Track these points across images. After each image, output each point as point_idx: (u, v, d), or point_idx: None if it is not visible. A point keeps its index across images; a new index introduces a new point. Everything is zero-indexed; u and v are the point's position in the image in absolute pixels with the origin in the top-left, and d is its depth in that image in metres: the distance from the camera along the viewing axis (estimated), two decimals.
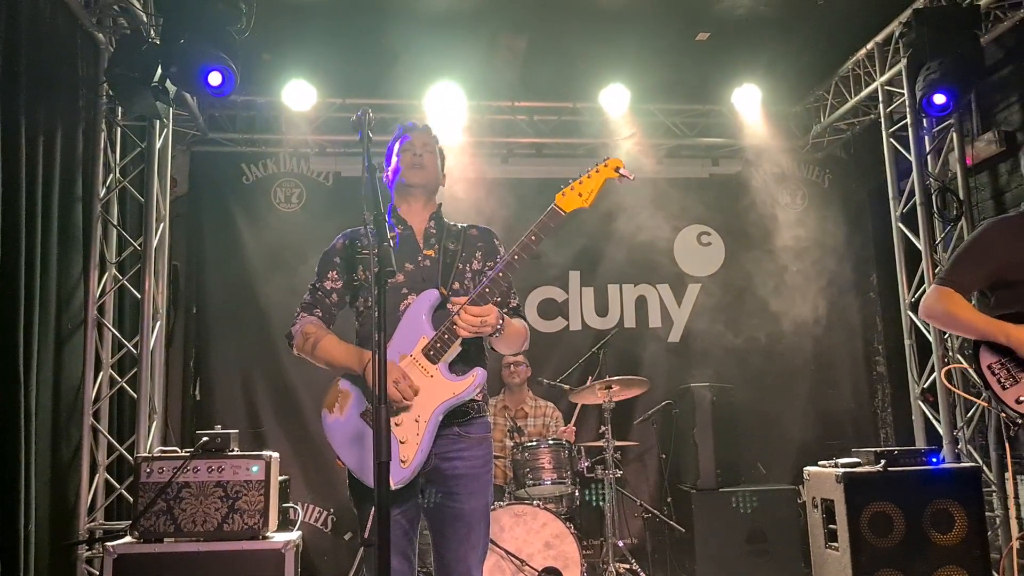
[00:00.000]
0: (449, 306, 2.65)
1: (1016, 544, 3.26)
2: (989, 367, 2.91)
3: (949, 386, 3.43)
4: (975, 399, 3.08)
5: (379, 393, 2.16)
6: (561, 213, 2.73)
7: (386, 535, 2.10)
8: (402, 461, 2.56)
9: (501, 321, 2.67)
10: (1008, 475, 3.00)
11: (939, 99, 5.34)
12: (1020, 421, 2.85)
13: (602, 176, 2.78)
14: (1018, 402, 2.85)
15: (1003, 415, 2.91)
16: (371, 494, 2.25)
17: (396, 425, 2.58)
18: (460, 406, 2.69)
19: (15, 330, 4.18)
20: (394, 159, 2.93)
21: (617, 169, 2.79)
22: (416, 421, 2.60)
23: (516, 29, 5.91)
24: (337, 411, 2.71)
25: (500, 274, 2.66)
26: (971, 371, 2.97)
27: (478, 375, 2.67)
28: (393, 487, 2.46)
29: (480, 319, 2.61)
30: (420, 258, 2.81)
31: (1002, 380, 2.89)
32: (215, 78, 4.83)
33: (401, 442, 2.57)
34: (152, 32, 5.17)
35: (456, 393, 2.63)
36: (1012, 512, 2.95)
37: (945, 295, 2.99)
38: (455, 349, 2.65)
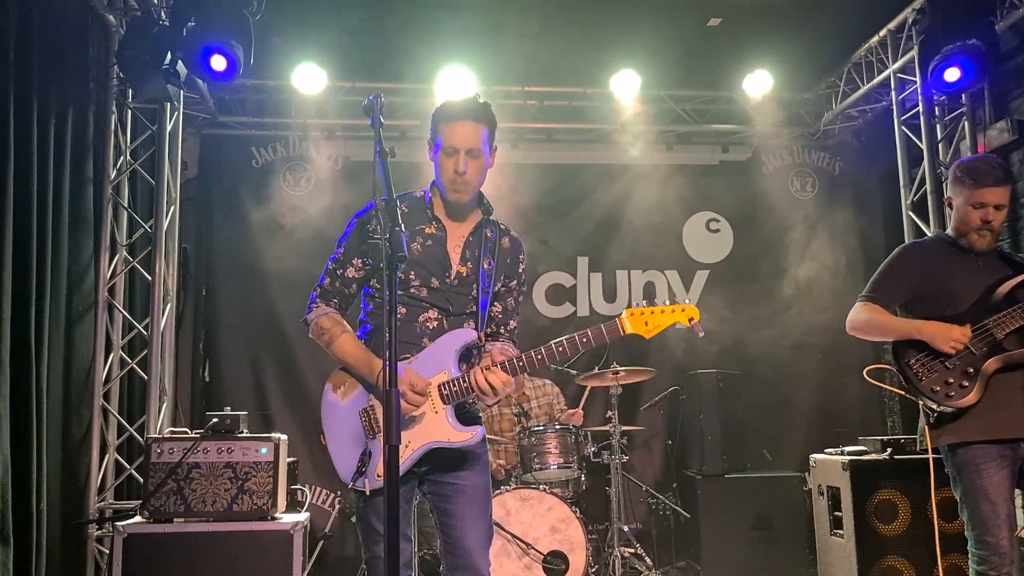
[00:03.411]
0: (484, 366, 2.62)
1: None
2: (907, 363, 3.20)
3: (872, 381, 3.63)
4: (899, 391, 3.27)
5: (389, 378, 2.16)
6: (621, 331, 2.70)
7: (395, 520, 2.11)
8: (379, 475, 2.59)
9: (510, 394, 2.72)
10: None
11: (951, 75, 5.25)
12: (937, 409, 3.10)
13: (674, 319, 2.72)
14: (933, 392, 3.12)
15: (922, 404, 3.17)
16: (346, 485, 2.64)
17: None
18: None
19: (27, 311, 4.21)
20: (437, 149, 2.76)
21: (691, 319, 2.73)
22: (405, 446, 2.61)
23: (527, 13, 5.88)
24: (340, 395, 2.72)
25: (538, 357, 2.65)
26: (894, 369, 3.32)
27: (477, 434, 2.68)
28: (367, 491, 2.59)
29: (502, 387, 2.61)
30: (449, 275, 2.75)
31: (919, 373, 3.17)
32: (219, 63, 4.83)
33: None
34: (163, 14, 5.17)
35: (451, 440, 2.65)
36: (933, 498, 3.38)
37: (868, 308, 3.33)
38: (466, 399, 2.68)
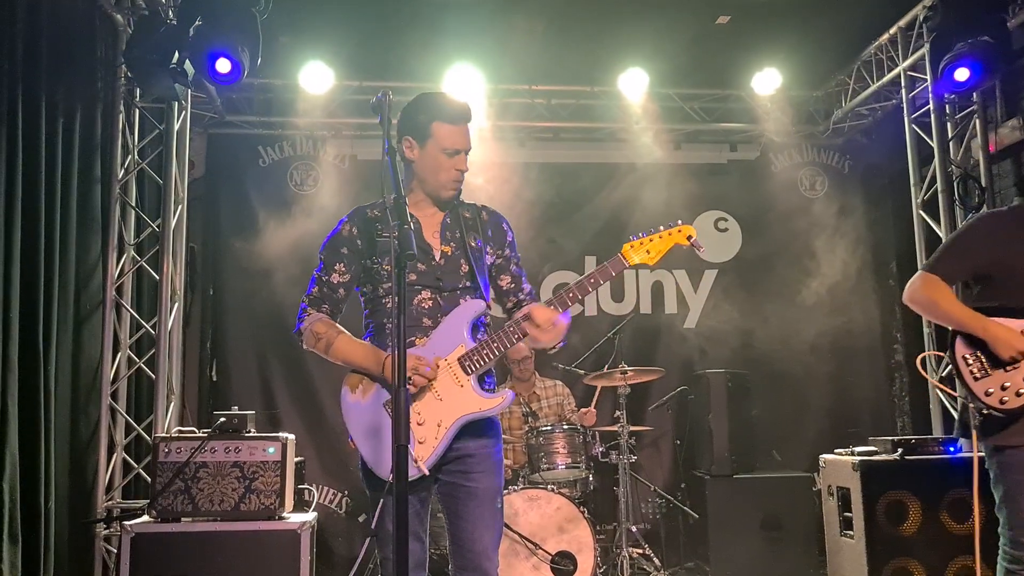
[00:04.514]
0: (519, 316, 2.65)
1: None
2: (964, 358, 2.98)
3: (923, 373, 3.48)
4: (948, 390, 3.12)
5: (399, 376, 2.15)
6: (625, 264, 2.72)
7: (404, 519, 2.10)
8: (417, 459, 2.57)
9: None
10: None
11: (961, 74, 5.21)
12: (985, 412, 2.92)
13: (672, 240, 2.76)
14: (987, 394, 2.91)
15: (971, 405, 2.97)
16: (382, 483, 2.44)
17: (418, 424, 2.58)
18: None
19: (35, 311, 4.22)
20: (429, 147, 2.72)
21: (689, 237, 2.76)
22: (438, 425, 2.61)
23: (535, 12, 5.86)
24: (359, 394, 2.71)
25: (569, 295, 2.66)
26: (946, 359, 3.09)
27: (508, 397, 2.69)
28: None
29: (551, 320, 2.62)
30: (433, 258, 2.75)
31: (975, 372, 2.96)
32: (223, 65, 4.83)
33: (419, 441, 2.58)
34: (170, 13, 5.17)
35: (483, 409, 2.65)
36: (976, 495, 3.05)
37: (930, 283, 3.05)
38: (490, 364, 2.69)
